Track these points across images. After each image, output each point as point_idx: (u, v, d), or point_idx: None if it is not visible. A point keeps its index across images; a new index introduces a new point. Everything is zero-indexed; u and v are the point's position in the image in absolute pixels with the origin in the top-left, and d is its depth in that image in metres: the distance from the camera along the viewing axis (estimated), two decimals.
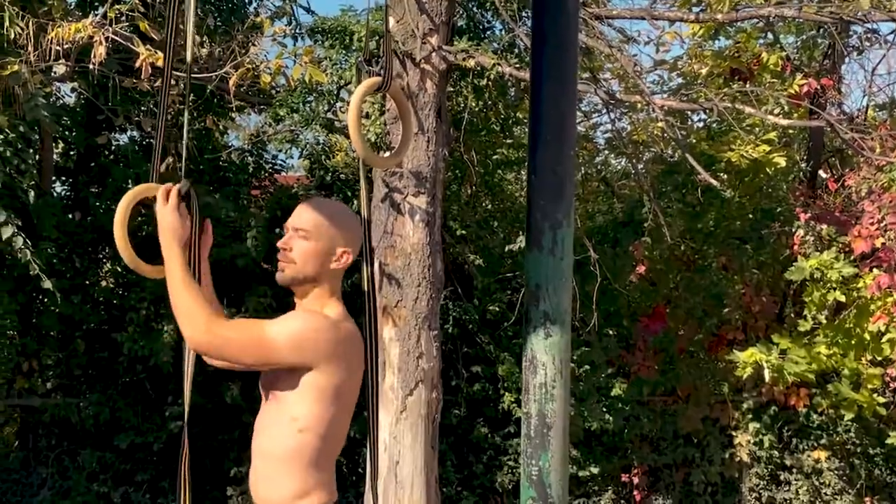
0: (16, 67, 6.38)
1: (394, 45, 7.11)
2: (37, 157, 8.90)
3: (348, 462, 8.49)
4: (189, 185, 2.82)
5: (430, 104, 7.32)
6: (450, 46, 7.20)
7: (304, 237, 2.89)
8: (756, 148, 8.29)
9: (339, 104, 9.49)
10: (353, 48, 7.86)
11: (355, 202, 9.07)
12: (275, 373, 2.86)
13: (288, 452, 2.83)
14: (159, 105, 2.79)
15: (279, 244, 2.92)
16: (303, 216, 2.93)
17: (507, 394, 8.88)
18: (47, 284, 6.48)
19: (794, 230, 8.79)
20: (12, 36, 6.49)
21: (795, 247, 8.53)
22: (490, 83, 8.70)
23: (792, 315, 9.61)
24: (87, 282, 8.89)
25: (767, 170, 8.74)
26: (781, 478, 9.53)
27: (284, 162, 11.16)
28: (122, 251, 2.76)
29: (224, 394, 8.38)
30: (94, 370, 8.87)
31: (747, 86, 8.66)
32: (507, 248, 9.13)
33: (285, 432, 2.83)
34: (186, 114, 3.00)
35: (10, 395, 8.77)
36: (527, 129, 9.98)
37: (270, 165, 10.28)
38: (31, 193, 7.83)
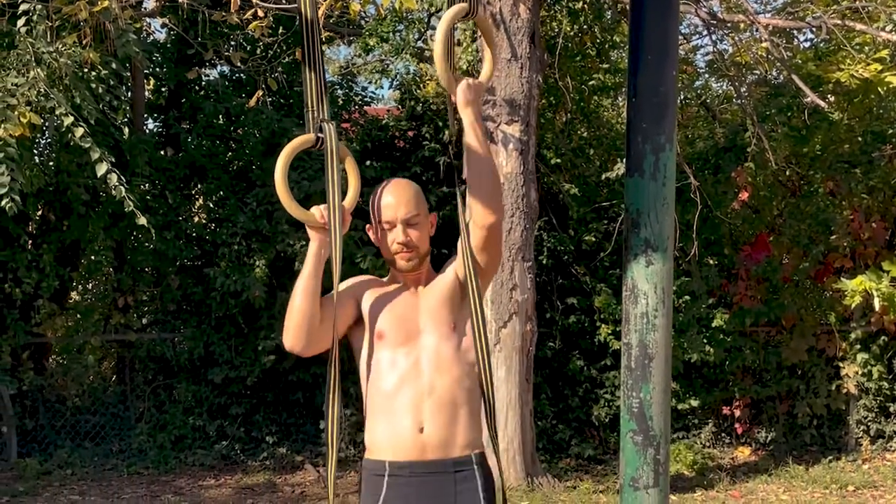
0: (106, 3, 6.35)
1: None
2: (129, 93, 8.98)
3: None
4: (319, 124, 2.71)
5: (523, 29, 7.13)
6: None
7: (417, 222, 2.96)
8: (867, 67, 7.87)
9: (429, 32, 9.34)
10: None
11: (446, 132, 8.94)
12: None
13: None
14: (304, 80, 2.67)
15: (400, 242, 2.94)
16: (405, 205, 2.96)
17: (603, 326, 8.74)
18: (142, 221, 6.49)
19: None
20: None
21: None
22: (585, 6, 8.45)
23: None
24: (180, 217, 8.99)
25: (879, 90, 8.31)
26: (891, 409, 9.23)
27: (375, 93, 11.09)
28: (285, 202, 2.73)
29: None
30: (187, 305, 9.01)
31: (857, 2, 8.23)
32: (603, 177, 8.92)
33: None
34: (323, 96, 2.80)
35: (106, 331, 8.98)
36: (624, 54, 9.71)
37: (360, 97, 10.20)
38: (125, 130, 7.89)
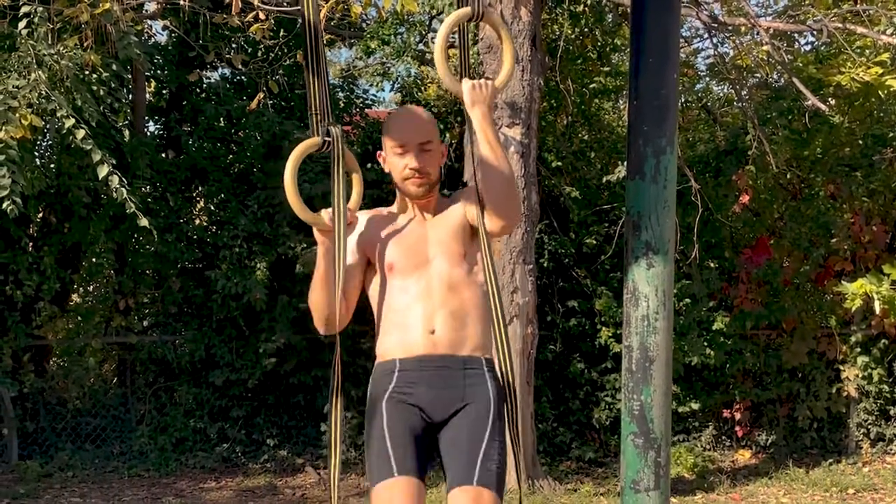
0: (108, 5, 6.36)
1: None
2: (130, 96, 8.98)
3: None
4: (326, 129, 2.73)
5: (524, 32, 7.14)
6: None
7: (430, 149, 2.91)
8: (867, 70, 7.88)
9: (430, 35, 9.35)
10: None
11: (447, 135, 8.94)
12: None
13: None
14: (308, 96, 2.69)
15: (413, 168, 2.90)
16: (418, 129, 2.93)
17: (604, 328, 8.73)
18: (144, 223, 6.50)
19: None
20: None
21: None
22: (587, 9, 8.44)
23: None
24: (181, 220, 8.96)
25: (879, 93, 8.31)
26: (891, 413, 9.22)
27: (376, 96, 11.09)
28: (294, 205, 2.74)
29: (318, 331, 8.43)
30: (188, 308, 9.01)
31: (858, 5, 8.24)
32: (604, 180, 8.93)
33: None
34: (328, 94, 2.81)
35: (107, 333, 8.98)
36: (625, 57, 9.72)
37: (361, 100, 10.20)
38: (126, 133, 7.89)
